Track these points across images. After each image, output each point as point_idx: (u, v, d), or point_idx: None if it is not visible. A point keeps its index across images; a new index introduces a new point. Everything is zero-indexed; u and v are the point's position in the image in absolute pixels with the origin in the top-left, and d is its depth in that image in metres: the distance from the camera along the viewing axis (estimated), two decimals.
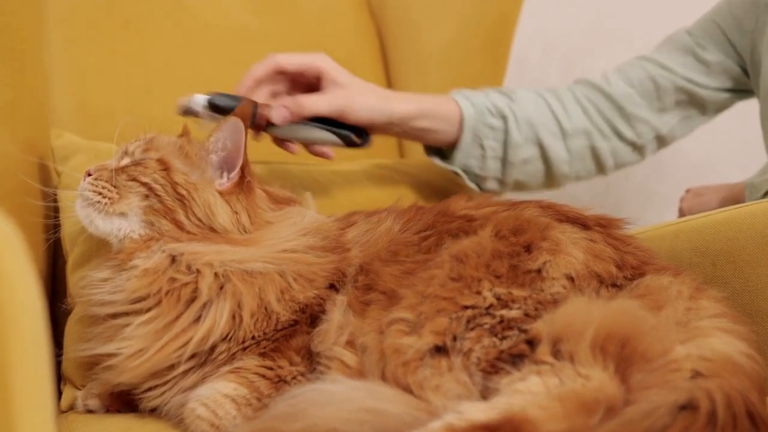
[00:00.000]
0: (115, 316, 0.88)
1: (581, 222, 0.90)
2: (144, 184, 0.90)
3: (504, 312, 0.78)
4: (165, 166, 0.91)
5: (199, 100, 1.00)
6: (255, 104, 1.02)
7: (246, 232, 0.91)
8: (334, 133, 1.08)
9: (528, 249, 0.84)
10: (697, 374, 0.71)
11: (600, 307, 0.77)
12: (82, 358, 0.93)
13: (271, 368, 0.85)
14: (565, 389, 0.70)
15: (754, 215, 0.90)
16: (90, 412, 0.96)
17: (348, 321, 0.85)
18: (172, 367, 0.86)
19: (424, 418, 0.71)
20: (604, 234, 0.89)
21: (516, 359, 0.75)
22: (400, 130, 1.14)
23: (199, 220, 0.89)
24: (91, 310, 0.91)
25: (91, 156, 1.05)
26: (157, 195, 0.90)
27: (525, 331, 0.77)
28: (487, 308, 0.79)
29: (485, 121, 1.18)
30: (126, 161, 0.94)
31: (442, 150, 1.22)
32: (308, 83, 1.09)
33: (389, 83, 1.48)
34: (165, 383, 0.87)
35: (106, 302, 0.89)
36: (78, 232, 1.00)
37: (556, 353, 0.74)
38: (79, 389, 0.99)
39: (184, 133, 0.98)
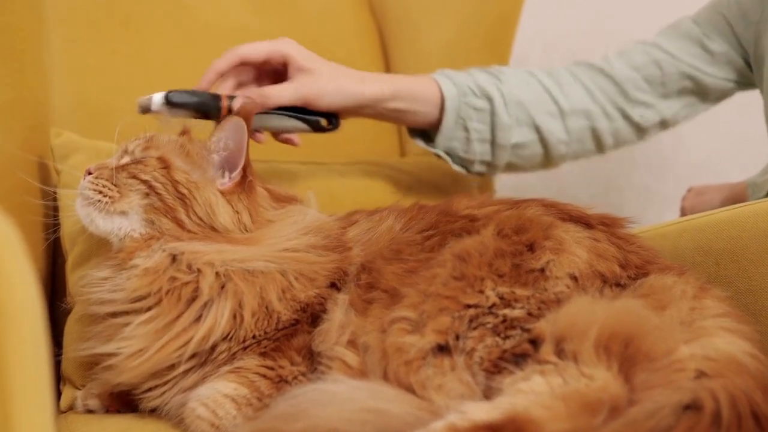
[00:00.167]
0: (115, 315, 0.88)
1: (584, 221, 0.89)
2: (144, 182, 0.90)
3: (507, 311, 0.78)
4: (165, 165, 0.91)
5: (157, 98, 0.98)
6: (217, 97, 1.00)
7: (247, 231, 0.90)
8: (301, 119, 1.06)
9: (531, 248, 0.84)
10: (701, 374, 0.71)
11: (604, 307, 0.76)
12: (82, 357, 0.93)
13: (271, 368, 0.85)
14: (568, 389, 0.70)
15: (757, 214, 0.90)
16: (90, 412, 0.96)
17: (350, 320, 0.85)
18: (172, 366, 0.85)
19: (426, 418, 0.71)
20: (608, 233, 0.88)
21: (519, 359, 0.75)
22: (373, 112, 1.11)
23: (200, 219, 0.89)
24: (91, 309, 0.90)
25: (90, 155, 1.05)
26: (157, 193, 0.89)
27: (528, 331, 0.76)
28: (490, 307, 0.79)
29: (469, 102, 1.15)
30: (126, 160, 0.94)
31: (427, 132, 1.19)
32: (275, 70, 1.06)
33: None
34: (165, 383, 0.86)
35: (105, 301, 0.88)
36: (78, 231, 0.99)
37: (560, 353, 0.73)
38: (79, 389, 0.99)
39: (185, 132, 0.98)
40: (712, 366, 0.72)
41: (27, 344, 0.57)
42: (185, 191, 0.89)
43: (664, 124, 1.26)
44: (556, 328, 0.75)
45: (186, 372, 0.86)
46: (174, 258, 0.87)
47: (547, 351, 0.74)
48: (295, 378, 0.85)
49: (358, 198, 1.19)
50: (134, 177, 0.90)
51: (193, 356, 0.85)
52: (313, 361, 0.85)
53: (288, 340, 0.86)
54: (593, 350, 0.72)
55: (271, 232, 0.90)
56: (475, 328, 0.78)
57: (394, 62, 1.46)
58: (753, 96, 1.27)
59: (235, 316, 0.85)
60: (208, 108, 0.99)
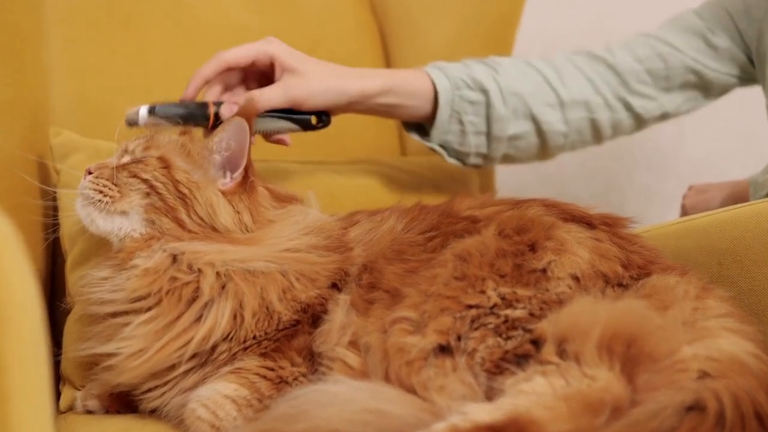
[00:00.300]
0: (114, 315, 0.87)
1: (586, 221, 0.89)
2: (145, 181, 0.90)
3: (508, 312, 0.78)
4: (166, 164, 0.91)
5: (142, 111, 0.98)
6: (203, 105, 1.01)
7: (248, 231, 0.90)
8: (291, 120, 1.06)
9: (532, 248, 0.84)
10: (704, 375, 0.71)
11: (606, 307, 0.76)
12: (82, 358, 0.93)
13: (272, 369, 0.84)
14: (570, 390, 0.70)
15: (760, 214, 0.89)
16: (89, 412, 0.95)
17: (351, 320, 0.84)
18: (172, 367, 0.85)
19: (427, 419, 0.71)
20: (610, 233, 0.88)
21: (521, 359, 0.74)
22: (364, 108, 1.10)
23: (201, 219, 0.89)
24: (91, 309, 0.90)
25: (90, 154, 1.05)
26: (158, 193, 0.89)
27: (530, 331, 0.76)
28: (492, 308, 0.79)
29: (463, 95, 1.14)
30: (126, 159, 0.93)
31: (422, 126, 1.18)
32: (262, 71, 1.06)
33: None
34: (165, 384, 0.86)
35: (105, 301, 0.88)
36: (77, 230, 0.99)
37: (562, 353, 0.73)
38: (79, 389, 0.99)
39: (186, 132, 0.98)
40: (715, 366, 0.71)
41: (26, 344, 0.57)
42: (186, 191, 0.89)
43: (664, 117, 1.25)
44: (558, 329, 0.75)
45: (186, 372, 0.85)
46: (174, 258, 0.87)
47: (549, 351, 0.74)
48: (295, 379, 0.84)
49: (358, 197, 1.18)
50: (135, 176, 0.90)
51: (193, 357, 0.85)
52: (314, 362, 0.85)
53: (289, 341, 0.86)
54: (595, 351, 0.72)
55: (272, 232, 0.90)
56: (476, 329, 0.77)
57: (395, 61, 1.46)
58: (754, 93, 1.27)
59: (235, 317, 0.85)
60: (195, 117, 0.99)
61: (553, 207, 0.92)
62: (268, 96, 1.01)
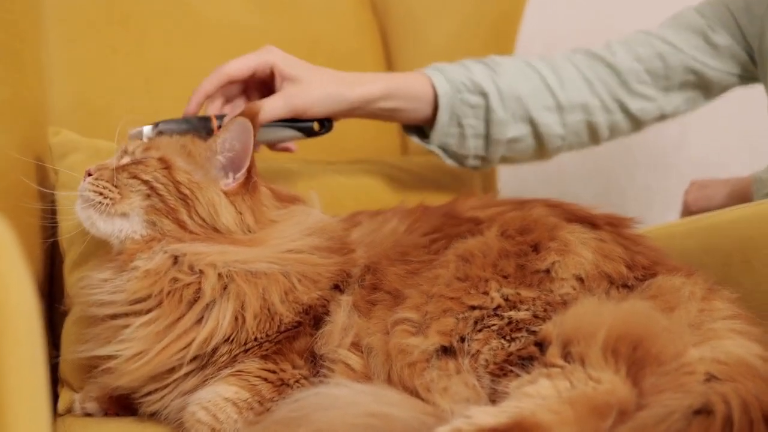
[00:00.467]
0: (114, 317, 0.87)
1: (590, 221, 0.89)
2: (145, 183, 0.89)
3: (512, 313, 0.78)
4: (166, 165, 0.90)
5: (146, 130, 0.98)
6: (207, 119, 1.01)
7: (250, 231, 0.89)
8: (294, 128, 1.06)
9: (536, 249, 0.83)
10: (711, 377, 0.70)
11: (611, 309, 0.76)
12: (80, 360, 0.92)
13: (273, 371, 0.84)
14: (576, 393, 0.69)
15: (767, 214, 0.88)
16: (88, 415, 0.94)
17: (353, 322, 0.84)
18: (172, 369, 0.84)
19: (431, 423, 0.71)
20: (614, 233, 0.87)
21: (525, 362, 0.74)
22: (365, 113, 1.10)
23: (203, 219, 0.88)
24: (90, 310, 0.89)
25: (89, 154, 1.04)
26: (158, 194, 0.88)
27: (534, 333, 0.76)
28: (495, 309, 0.78)
29: (463, 98, 1.14)
30: (126, 160, 0.92)
31: (422, 128, 1.18)
32: (262, 80, 1.05)
33: None
34: (165, 386, 0.85)
35: (105, 303, 0.87)
36: (76, 232, 0.98)
37: (567, 356, 0.73)
38: (77, 392, 0.98)
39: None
40: (722, 369, 0.71)
41: (23, 346, 0.56)
42: (187, 192, 0.88)
43: (663, 118, 1.25)
44: (563, 331, 0.74)
45: (186, 375, 0.85)
46: (176, 259, 0.86)
47: (553, 354, 0.73)
48: (296, 381, 0.84)
49: (359, 197, 1.18)
50: (135, 177, 0.89)
51: (194, 359, 0.84)
52: (316, 364, 0.85)
53: (290, 343, 0.85)
54: (601, 353, 0.72)
55: (275, 232, 0.89)
56: (480, 330, 0.77)
57: (397, 60, 1.46)
58: (755, 92, 1.26)
59: (237, 318, 0.84)
60: (198, 132, 1.00)
61: (557, 207, 0.92)
62: (270, 107, 1.01)
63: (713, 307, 0.79)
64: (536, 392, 0.70)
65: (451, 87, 1.13)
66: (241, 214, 0.89)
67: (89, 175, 0.91)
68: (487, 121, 1.16)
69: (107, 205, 0.88)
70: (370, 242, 0.91)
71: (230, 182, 0.91)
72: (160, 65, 1.27)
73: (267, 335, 0.85)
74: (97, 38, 1.24)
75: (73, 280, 0.98)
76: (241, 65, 1.03)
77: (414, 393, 0.76)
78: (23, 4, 1.07)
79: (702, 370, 0.70)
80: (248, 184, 0.91)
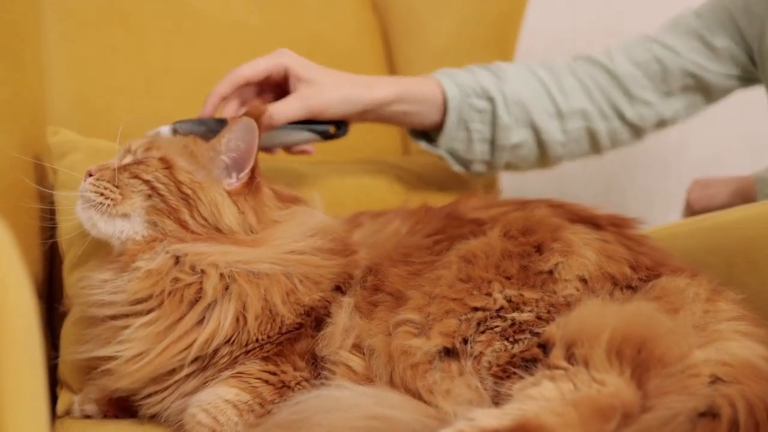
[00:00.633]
0: (114, 317, 0.86)
1: (593, 222, 0.88)
2: (146, 182, 0.88)
3: (515, 315, 0.77)
4: (168, 165, 0.89)
5: (164, 131, 0.99)
6: (223, 122, 1.01)
7: (252, 232, 0.89)
8: (310, 130, 1.06)
9: (539, 249, 0.83)
10: (716, 379, 0.70)
11: (615, 310, 0.75)
12: (80, 361, 0.91)
13: (274, 373, 0.83)
14: (579, 395, 0.69)
15: None
16: (87, 417, 0.94)
17: (354, 323, 0.83)
18: (173, 371, 0.84)
19: (434, 425, 0.70)
20: (617, 234, 0.87)
21: (528, 364, 0.74)
22: (377, 116, 1.11)
23: (205, 219, 0.87)
24: (90, 311, 0.88)
25: (89, 153, 1.03)
26: (160, 194, 0.88)
27: (537, 335, 0.75)
28: (498, 310, 0.78)
29: (471, 103, 1.15)
30: (128, 159, 0.92)
31: (428, 133, 1.19)
32: (276, 82, 1.06)
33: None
34: (165, 388, 0.84)
35: (105, 303, 0.86)
36: (75, 231, 0.97)
37: (570, 357, 0.72)
38: (76, 394, 0.97)
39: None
40: (727, 371, 0.70)
41: (21, 347, 0.56)
42: (189, 191, 0.88)
43: (662, 124, 1.25)
44: (567, 332, 0.74)
45: (187, 377, 0.84)
46: (177, 259, 0.85)
47: (557, 356, 0.73)
48: (298, 383, 0.83)
49: (360, 197, 1.17)
50: (136, 177, 0.89)
51: (194, 360, 0.84)
52: (317, 366, 0.84)
53: (291, 345, 0.85)
54: (605, 355, 0.71)
55: (277, 233, 0.89)
56: (482, 332, 0.77)
57: (397, 59, 1.45)
58: (756, 93, 1.26)
59: (238, 319, 0.83)
60: (215, 133, 0.99)
61: (560, 208, 0.91)
62: (286, 109, 1.01)
63: (718, 308, 0.78)
64: (540, 394, 0.69)
65: (460, 91, 1.14)
66: (243, 214, 0.89)
67: (90, 175, 0.91)
68: (493, 126, 1.17)
69: (108, 205, 0.88)
70: (372, 243, 0.90)
71: (233, 182, 0.90)
72: (160, 65, 1.26)
73: (268, 336, 0.84)
74: (96, 38, 1.23)
75: (72, 280, 0.97)
76: (256, 67, 1.03)
77: (416, 395, 0.76)
78: (23, 4, 1.06)
79: (707, 372, 0.70)
80: (251, 184, 0.90)
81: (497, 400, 0.73)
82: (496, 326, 0.76)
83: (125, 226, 0.88)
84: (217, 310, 0.83)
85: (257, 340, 0.84)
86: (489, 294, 0.79)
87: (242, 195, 0.89)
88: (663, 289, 0.80)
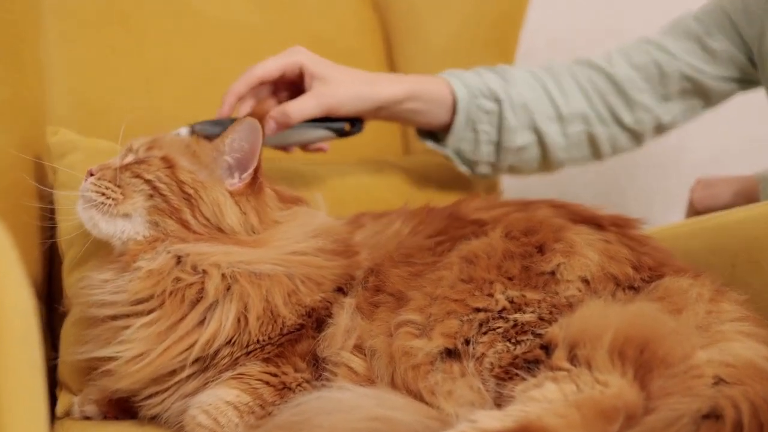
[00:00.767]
0: (115, 317, 0.86)
1: (596, 222, 0.88)
2: (148, 182, 0.88)
3: (517, 315, 0.77)
4: (169, 164, 0.89)
5: (182, 132, 1.00)
6: None
7: (254, 232, 0.88)
8: (326, 128, 1.07)
9: (541, 250, 0.83)
10: (719, 381, 0.70)
11: (617, 311, 0.75)
12: (79, 362, 0.91)
13: (275, 374, 0.83)
14: (582, 396, 0.69)
15: None
16: (87, 418, 0.93)
17: (356, 324, 0.83)
18: (174, 372, 0.83)
19: (435, 427, 0.70)
20: (620, 234, 0.87)
21: (531, 365, 0.73)
22: (388, 114, 1.12)
23: (207, 219, 0.87)
24: (90, 311, 0.88)
25: (88, 153, 1.03)
26: (161, 194, 0.87)
27: (540, 336, 0.75)
28: (500, 311, 0.78)
29: (479, 103, 1.16)
30: (130, 159, 0.92)
31: (435, 133, 1.20)
32: (291, 81, 1.07)
33: None
34: (166, 389, 0.84)
35: (106, 303, 0.86)
36: (75, 231, 0.97)
37: (573, 359, 0.72)
38: (76, 395, 0.97)
39: (192, 132, 0.97)
40: (730, 372, 0.70)
41: (20, 347, 0.56)
42: (191, 191, 0.87)
43: (660, 129, 1.25)
44: (569, 333, 0.73)
45: (188, 377, 0.84)
46: (179, 259, 0.85)
47: (559, 357, 0.72)
48: (299, 385, 0.83)
49: (361, 197, 1.17)
50: (137, 177, 0.88)
51: (195, 361, 0.83)
52: (318, 367, 0.84)
53: (292, 346, 0.84)
54: (607, 356, 0.71)
55: (279, 233, 0.89)
56: (485, 333, 0.76)
57: (398, 58, 1.45)
58: (756, 95, 1.26)
59: (239, 320, 0.83)
60: None
61: (562, 208, 0.91)
62: (301, 107, 1.02)
63: (721, 308, 0.78)
64: (542, 396, 0.69)
65: (468, 92, 1.15)
66: (245, 214, 0.88)
67: (91, 174, 0.90)
68: (499, 128, 1.18)
69: (110, 205, 0.87)
70: (373, 244, 0.90)
71: (236, 182, 0.90)
72: (160, 65, 1.26)
73: (269, 338, 0.84)
74: (96, 38, 1.23)
75: (72, 280, 0.97)
76: (271, 66, 1.04)
77: (418, 396, 0.76)
78: (23, 4, 1.06)
79: (710, 373, 0.70)
80: (254, 184, 0.90)
81: (499, 402, 0.72)
82: (498, 327, 0.76)
83: (126, 225, 0.88)
84: (218, 310, 0.83)
85: (258, 341, 0.84)
86: (491, 295, 0.78)
87: (244, 195, 0.89)
88: (666, 290, 0.79)
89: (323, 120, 1.06)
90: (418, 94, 1.11)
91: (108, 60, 1.23)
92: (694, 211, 1.32)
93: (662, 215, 1.72)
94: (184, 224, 0.87)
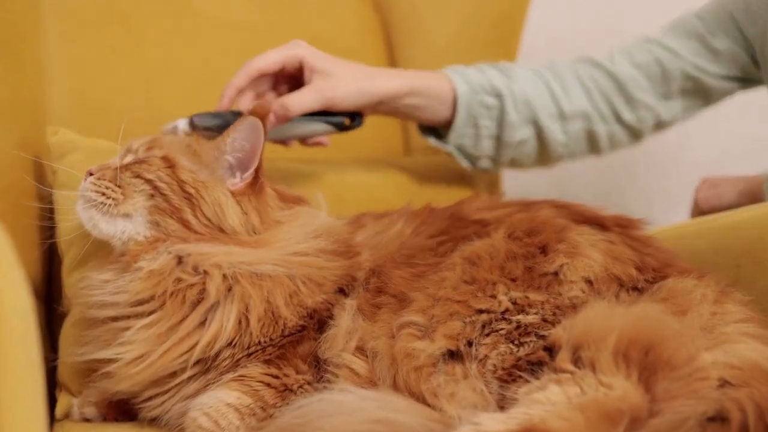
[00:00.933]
0: (115, 319, 0.85)
1: (599, 222, 0.88)
2: (148, 182, 0.87)
3: (520, 317, 0.76)
4: (170, 164, 0.89)
5: (181, 124, 1.00)
6: (239, 114, 1.01)
7: (255, 233, 0.88)
8: (325, 122, 1.07)
9: (544, 251, 0.82)
10: (725, 383, 0.69)
11: (621, 312, 0.74)
12: (79, 363, 0.91)
13: (276, 376, 0.82)
14: (586, 399, 0.68)
15: None
16: (86, 420, 0.93)
17: (357, 326, 0.83)
18: (174, 374, 0.83)
19: (438, 429, 0.70)
20: (623, 235, 0.86)
21: (534, 367, 0.73)
22: (388, 108, 1.11)
23: (208, 219, 0.87)
24: (90, 312, 0.88)
25: (88, 153, 1.03)
26: (162, 194, 0.87)
27: (543, 338, 0.74)
28: (503, 313, 0.77)
29: (480, 99, 1.16)
30: (129, 159, 0.91)
31: (437, 129, 1.20)
32: (291, 74, 1.07)
33: None
34: (166, 391, 0.84)
35: (106, 304, 0.86)
36: (74, 232, 0.96)
37: (577, 361, 0.71)
38: (76, 396, 0.96)
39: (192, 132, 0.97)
40: (736, 374, 0.69)
41: (19, 346, 0.55)
42: (192, 191, 0.87)
43: (660, 126, 1.25)
44: (573, 335, 0.73)
45: (188, 379, 0.83)
46: (180, 260, 0.85)
47: (563, 359, 0.72)
48: (300, 387, 0.82)
49: (362, 197, 1.17)
50: (138, 177, 0.88)
51: (196, 363, 0.83)
52: (320, 369, 0.83)
53: (294, 347, 0.84)
54: (612, 358, 0.70)
55: (280, 234, 0.88)
56: (487, 335, 0.76)
57: (399, 57, 1.45)
58: (758, 94, 1.25)
59: (240, 322, 0.83)
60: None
61: (564, 208, 0.91)
62: (301, 100, 1.02)
63: (726, 310, 0.77)
64: (546, 398, 0.68)
65: (470, 88, 1.15)
66: (246, 214, 0.88)
67: (91, 174, 0.90)
68: (500, 123, 1.18)
69: (110, 205, 0.87)
70: (375, 245, 0.89)
71: (237, 182, 0.89)
72: (160, 65, 1.26)
73: (271, 339, 0.83)
74: (96, 38, 1.23)
75: (72, 281, 0.97)
76: (271, 59, 1.04)
77: (420, 399, 0.75)
78: (23, 4, 1.06)
79: (715, 375, 0.69)
80: (255, 184, 0.89)
81: (502, 404, 0.72)
82: (501, 329, 0.75)
83: (127, 226, 0.87)
84: (219, 311, 0.82)
85: (259, 343, 0.83)
86: (494, 296, 0.78)
87: (246, 195, 0.89)
88: (670, 291, 0.79)
89: (322, 114, 1.06)
90: (418, 89, 1.11)
91: (108, 60, 1.23)
92: (698, 211, 1.32)
93: (663, 215, 1.71)
94: (185, 224, 0.86)
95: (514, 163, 1.24)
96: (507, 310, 0.77)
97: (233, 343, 0.83)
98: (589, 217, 0.88)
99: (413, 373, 0.76)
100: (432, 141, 1.20)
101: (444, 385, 0.74)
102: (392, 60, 1.47)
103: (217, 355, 0.83)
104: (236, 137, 0.89)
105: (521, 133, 1.18)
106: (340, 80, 1.04)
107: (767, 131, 1.69)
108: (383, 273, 0.85)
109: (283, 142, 1.10)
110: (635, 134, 1.24)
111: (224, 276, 0.83)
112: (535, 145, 1.21)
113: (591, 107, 1.20)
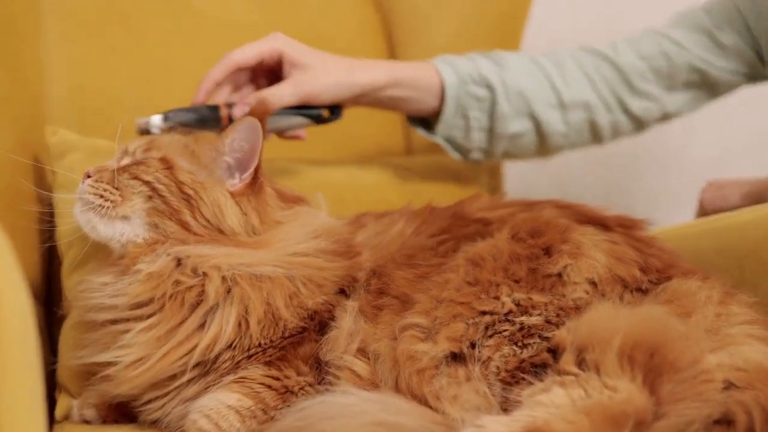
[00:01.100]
0: (114, 321, 0.85)
1: (602, 223, 0.87)
2: (146, 183, 0.87)
3: (524, 318, 0.76)
4: (168, 165, 0.88)
5: (155, 120, 0.99)
6: (215, 108, 1.01)
7: (255, 233, 0.87)
8: (303, 115, 1.06)
9: (547, 252, 0.82)
10: (730, 385, 0.69)
11: (626, 314, 0.74)
12: (79, 365, 0.90)
13: (277, 378, 0.82)
14: (591, 402, 0.68)
15: None
16: (86, 422, 0.93)
17: (359, 327, 0.82)
18: (174, 376, 0.82)
19: None
20: (626, 235, 0.86)
21: (538, 369, 0.73)
22: (370, 100, 1.10)
23: (207, 221, 0.86)
24: (89, 315, 0.87)
25: (88, 153, 1.02)
26: (160, 195, 0.86)
27: (547, 339, 0.74)
28: (506, 314, 0.77)
29: (469, 90, 1.14)
30: (126, 161, 0.90)
31: (427, 120, 1.18)
32: (270, 67, 1.06)
33: None
34: (166, 394, 0.83)
35: (105, 307, 0.85)
36: (74, 234, 0.96)
37: (581, 363, 0.71)
38: (75, 398, 0.96)
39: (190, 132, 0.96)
40: (741, 376, 0.69)
41: (18, 347, 0.55)
42: (191, 192, 0.86)
43: (665, 117, 1.24)
44: (577, 337, 0.73)
45: (188, 382, 0.83)
46: (179, 262, 0.84)
47: (567, 361, 0.71)
48: (301, 389, 0.82)
49: (362, 197, 1.16)
50: (136, 178, 0.87)
51: (196, 365, 0.82)
52: (321, 371, 0.83)
53: (294, 349, 0.83)
54: (616, 360, 0.70)
55: (280, 234, 0.88)
56: (490, 336, 0.75)
57: (401, 57, 1.45)
58: (762, 92, 1.25)
59: (240, 324, 0.82)
60: (207, 121, 1.00)
61: (567, 208, 0.90)
62: (280, 95, 1.01)
63: (730, 311, 0.77)
64: (550, 401, 0.68)
65: (458, 78, 1.13)
66: (246, 215, 0.87)
67: (88, 176, 0.89)
68: (491, 115, 1.16)
69: (108, 208, 0.86)
70: (376, 245, 0.89)
71: (236, 183, 0.89)
72: (160, 65, 1.26)
73: (271, 341, 0.83)
74: (96, 38, 1.23)
75: (71, 283, 0.96)
76: (249, 52, 1.03)
77: (423, 401, 0.75)
78: (23, 4, 1.06)
79: (720, 377, 0.69)
80: (254, 184, 0.89)
81: (506, 407, 0.71)
82: (505, 330, 0.75)
83: (125, 228, 0.87)
84: (219, 313, 0.82)
85: (260, 345, 0.83)
86: (497, 297, 0.77)
87: (245, 196, 0.88)
88: (674, 292, 0.78)
89: (301, 107, 1.05)
90: (401, 80, 1.09)
91: (108, 60, 1.23)
92: (704, 212, 1.31)
93: (666, 215, 1.71)
94: (184, 226, 0.86)
95: (510, 155, 1.22)
96: (510, 311, 0.76)
97: (233, 345, 0.82)
98: (592, 218, 0.88)
99: (416, 376, 0.76)
100: (420, 132, 1.18)
101: (447, 387, 0.74)
102: (393, 59, 1.46)
103: (216, 357, 0.82)
104: (235, 138, 0.89)
105: (515, 125, 1.17)
106: (318, 73, 1.03)
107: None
108: (385, 274, 0.85)
109: None
110: (640, 124, 1.23)
111: (223, 278, 0.83)
112: (534, 138, 1.19)
113: (595, 97, 1.19)
